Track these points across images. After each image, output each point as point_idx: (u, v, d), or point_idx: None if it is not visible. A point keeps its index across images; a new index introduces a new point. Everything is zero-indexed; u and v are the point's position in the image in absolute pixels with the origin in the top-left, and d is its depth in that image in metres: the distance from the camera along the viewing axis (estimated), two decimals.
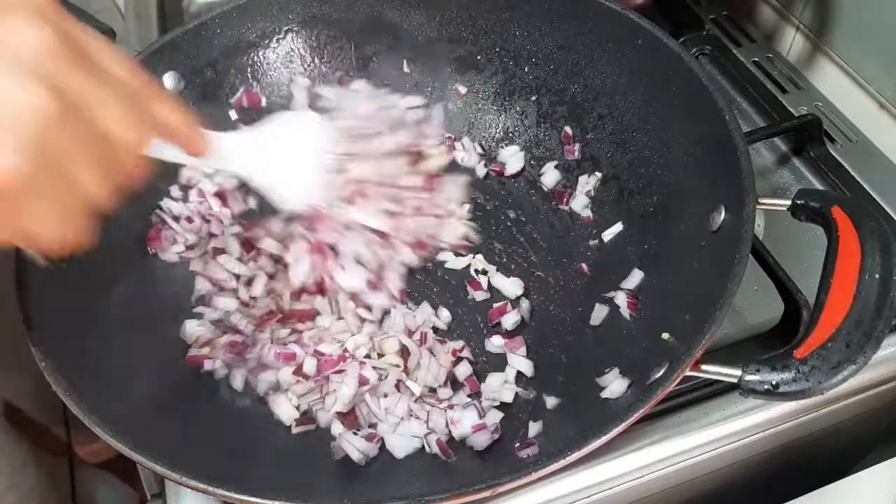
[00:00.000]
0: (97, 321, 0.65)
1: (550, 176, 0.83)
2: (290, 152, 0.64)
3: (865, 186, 0.82)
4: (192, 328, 0.72)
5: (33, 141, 0.38)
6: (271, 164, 0.62)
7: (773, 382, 0.50)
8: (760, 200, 0.60)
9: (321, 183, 0.65)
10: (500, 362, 0.72)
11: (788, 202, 0.60)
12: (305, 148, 0.65)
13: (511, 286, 0.76)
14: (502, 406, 0.68)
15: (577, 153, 0.82)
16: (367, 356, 0.70)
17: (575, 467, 0.61)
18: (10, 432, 0.99)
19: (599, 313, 0.72)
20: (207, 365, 0.69)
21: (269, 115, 0.65)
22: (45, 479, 1.01)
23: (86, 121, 0.41)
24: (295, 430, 0.67)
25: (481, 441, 0.64)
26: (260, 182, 0.61)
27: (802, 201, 0.59)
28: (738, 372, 0.51)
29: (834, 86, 0.92)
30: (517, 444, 0.63)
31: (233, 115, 0.83)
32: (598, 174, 0.81)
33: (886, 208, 0.80)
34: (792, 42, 0.98)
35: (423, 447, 0.65)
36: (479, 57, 0.85)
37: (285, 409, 0.67)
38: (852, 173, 0.84)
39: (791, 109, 0.89)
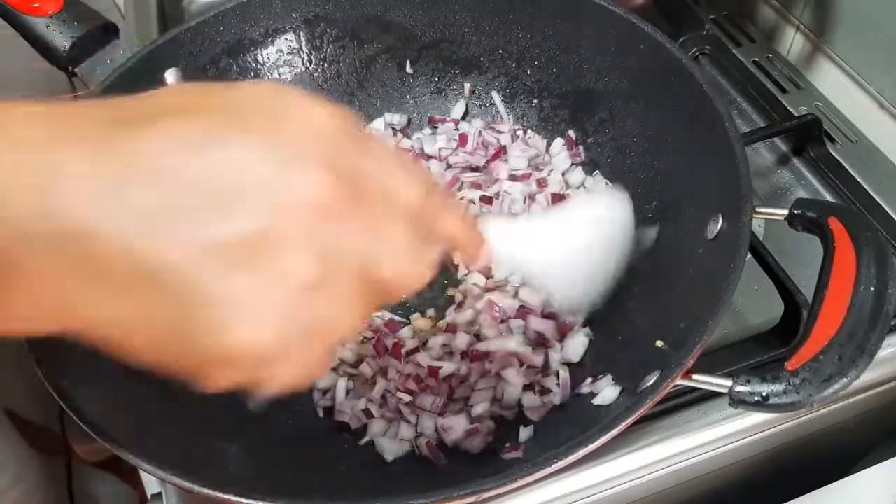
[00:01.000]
0: None
1: (551, 179, 0.83)
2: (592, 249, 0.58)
3: (865, 186, 0.82)
4: None
5: (290, 311, 0.34)
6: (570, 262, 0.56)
7: (764, 394, 0.50)
8: (758, 210, 0.60)
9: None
10: None
11: (786, 211, 0.59)
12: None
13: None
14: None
15: (582, 156, 0.82)
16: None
17: (574, 468, 0.61)
18: (10, 429, 0.99)
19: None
20: None
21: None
22: (45, 477, 1.01)
23: (359, 274, 0.36)
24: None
25: (475, 445, 0.64)
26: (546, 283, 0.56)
27: (799, 211, 0.59)
28: (729, 383, 0.51)
29: (834, 86, 0.92)
30: (505, 446, 0.63)
31: None
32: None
33: (886, 209, 0.80)
34: (792, 42, 0.98)
35: (413, 450, 0.65)
36: (481, 59, 0.85)
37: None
38: (852, 173, 0.84)
39: (791, 109, 0.89)
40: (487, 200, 0.79)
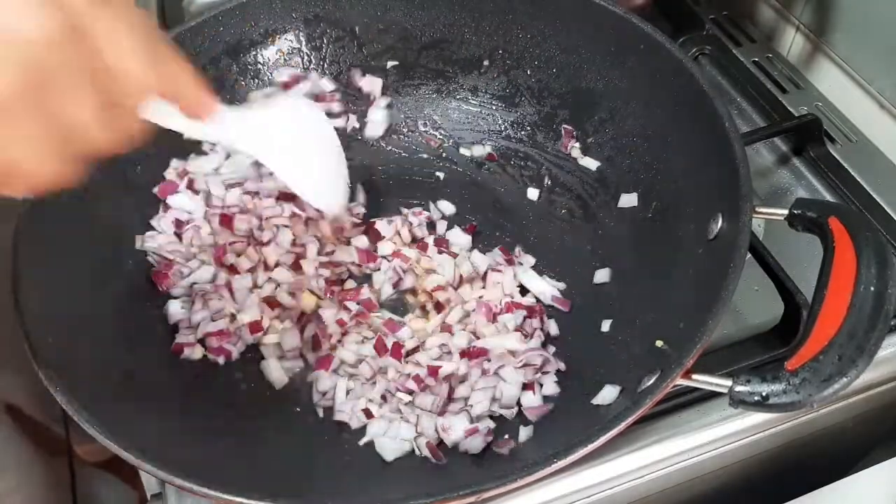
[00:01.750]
0: (94, 322, 0.65)
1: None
2: (309, 144, 0.62)
3: (865, 186, 0.82)
4: (176, 309, 0.72)
5: (23, 57, 0.37)
6: (289, 151, 0.60)
7: (763, 394, 0.50)
8: (758, 210, 0.60)
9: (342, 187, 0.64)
10: None
11: (786, 211, 0.60)
12: (323, 143, 0.64)
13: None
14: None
15: (572, 150, 0.83)
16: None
17: (574, 468, 0.61)
18: (13, 431, 0.99)
19: None
20: (187, 352, 0.70)
21: (273, 97, 0.65)
22: (47, 478, 1.01)
23: (90, 49, 0.40)
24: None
25: (475, 444, 0.64)
26: (277, 168, 0.59)
27: (799, 211, 0.59)
28: (729, 382, 0.51)
29: (834, 86, 0.92)
30: (499, 441, 0.64)
31: None
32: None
33: (886, 208, 0.81)
34: (792, 42, 0.98)
35: (413, 450, 0.65)
36: (482, 59, 0.85)
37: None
38: (852, 173, 0.84)
39: (791, 109, 0.89)
40: None
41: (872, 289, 0.51)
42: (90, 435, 0.53)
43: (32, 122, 0.39)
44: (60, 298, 0.63)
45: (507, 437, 0.65)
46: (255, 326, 0.72)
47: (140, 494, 1.00)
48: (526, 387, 0.67)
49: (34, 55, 0.37)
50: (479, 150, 0.86)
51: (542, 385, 0.68)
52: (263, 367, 0.71)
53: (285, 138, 0.61)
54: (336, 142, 0.68)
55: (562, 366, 0.69)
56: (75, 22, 0.39)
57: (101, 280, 0.68)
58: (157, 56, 0.44)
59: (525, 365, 0.68)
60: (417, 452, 0.65)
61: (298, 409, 0.69)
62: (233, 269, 0.74)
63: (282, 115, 0.62)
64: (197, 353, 0.70)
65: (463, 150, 0.86)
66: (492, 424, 0.66)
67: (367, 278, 0.77)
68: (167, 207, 0.77)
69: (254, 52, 0.83)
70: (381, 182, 0.85)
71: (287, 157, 0.60)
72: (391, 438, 0.66)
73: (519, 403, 0.67)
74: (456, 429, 0.65)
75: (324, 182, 0.65)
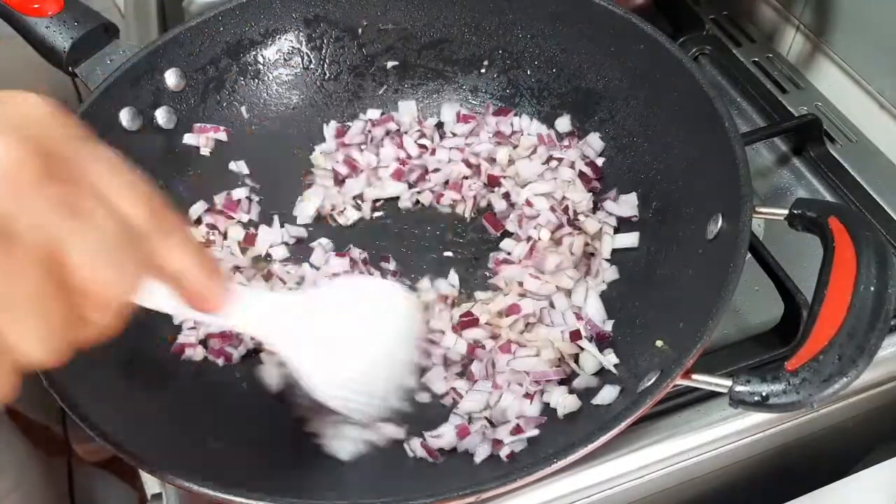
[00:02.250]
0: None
1: None
2: (355, 337, 0.51)
3: (865, 186, 0.82)
4: None
5: None
6: (320, 347, 0.50)
7: (763, 394, 0.50)
8: (758, 210, 0.60)
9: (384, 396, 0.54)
10: None
11: (786, 211, 0.60)
12: (382, 338, 0.53)
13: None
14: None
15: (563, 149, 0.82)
16: None
17: (574, 468, 0.61)
18: (13, 431, 0.99)
19: None
20: (188, 352, 0.69)
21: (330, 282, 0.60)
22: (46, 478, 1.01)
23: (43, 260, 0.33)
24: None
25: (472, 444, 0.64)
26: (297, 364, 0.50)
27: (799, 211, 0.59)
28: (729, 382, 0.51)
29: (834, 86, 0.92)
30: (493, 440, 0.63)
31: (244, 111, 0.83)
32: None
33: (886, 208, 0.81)
34: (792, 42, 0.98)
35: (407, 452, 0.65)
36: (482, 59, 0.85)
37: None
38: (852, 173, 0.84)
39: (791, 109, 0.89)
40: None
41: (872, 289, 0.51)
42: (90, 435, 0.53)
43: None
44: None
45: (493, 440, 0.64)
46: None
47: (140, 494, 1.00)
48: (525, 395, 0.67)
49: None
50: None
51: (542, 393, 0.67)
52: (261, 371, 0.70)
53: (322, 328, 0.51)
54: (407, 338, 0.57)
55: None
56: (19, 232, 0.32)
57: None
58: (152, 250, 0.38)
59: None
60: (411, 454, 0.65)
61: (298, 410, 0.69)
62: None
63: (332, 300, 0.53)
64: (198, 354, 0.70)
65: None
66: (487, 427, 0.65)
67: None
68: None
69: (254, 52, 0.83)
70: None
71: (314, 351, 0.50)
72: (341, 439, 0.65)
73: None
74: (446, 434, 0.65)
75: (360, 387, 0.54)
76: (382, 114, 0.87)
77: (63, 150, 0.35)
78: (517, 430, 0.63)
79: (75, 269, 0.33)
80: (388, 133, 0.85)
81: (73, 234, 0.33)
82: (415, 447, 0.64)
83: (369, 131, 0.85)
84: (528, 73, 0.84)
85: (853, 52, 0.90)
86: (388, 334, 0.55)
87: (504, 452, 0.62)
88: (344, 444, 0.64)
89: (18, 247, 0.32)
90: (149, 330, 0.70)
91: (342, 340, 0.52)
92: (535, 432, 0.63)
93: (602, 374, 0.66)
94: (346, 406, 0.54)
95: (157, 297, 0.41)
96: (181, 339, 0.70)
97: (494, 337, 0.70)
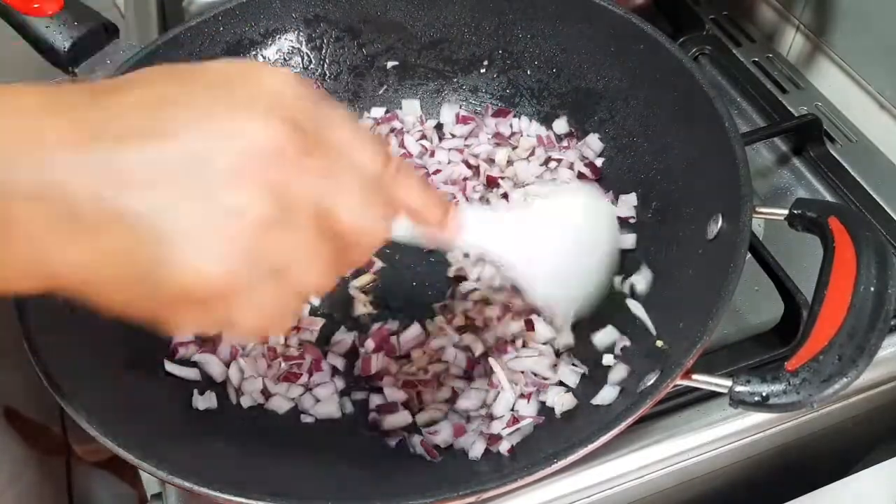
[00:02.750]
0: (94, 321, 0.65)
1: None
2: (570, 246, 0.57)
3: (865, 186, 0.82)
4: None
5: (243, 246, 0.37)
6: (535, 253, 0.55)
7: (763, 394, 0.50)
8: (758, 210, 0.60)
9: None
10: None
11: (786, 211, 0.59)
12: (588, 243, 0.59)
13: None
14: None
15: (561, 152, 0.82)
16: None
17: (574, 468, 0.61)
18: (8, 428, 0.99)
19: None
20: (181, 351, 0.69)
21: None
22: (43, 476, 1.01)
23: (315, 218, 0.39)
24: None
25: (469, 442, 0.64)
26: (516, 269, 0.55)
27: (799, 211, 0.59)
28: (728, 382, 0.51)
29: (834, 86, 0.92)
30: (489, 436, 0.64)
31: None
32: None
33: (886, 209, 0.80)
34: (792, 42, 0.98)
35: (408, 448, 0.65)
36: (482, 59, 0.85)
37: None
38: (852, 173, 0.84)
39: (791, 109, 0.89)
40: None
41: (872, 289, 0.51)
42: (89, 435, 0.53)
43: (255, 299, 0.38)
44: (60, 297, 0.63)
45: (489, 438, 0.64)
46: None
47: (140, 494, 1.00)
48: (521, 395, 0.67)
49: (255, 241, 0.37)
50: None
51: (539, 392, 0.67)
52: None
53: (542, 239, 0.56)
54: (609, 239, 0.63)
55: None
56: (294, 199, 0.38)
57: None
58: (390, 192, 0.43)
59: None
60: (412, 451, 0.65)
61: (297, 410, 0.69)
62: None
63: (540, 215, 0.58)
64: (190, 352, 0.70)
65: None
66: (484, 427, 0.65)
67: None
68: None
69: (254, 52, 0.83)
70: None
71: (538, 262, 0.56)
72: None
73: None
74: (443, 431, 0.65)
75: (565, 284, 0.59)
76: (387, 112, 0.87)
77: (313, 121, 0.39)
78: (513, 421, 0.63)
79: (341, 221, 0.40)
80: (392, 131, 0.85)
81: (335, 194, 0.39)
82: (415, 444, 0.64)
83: (373, 129, 0.85)
84: (528, 73, 0.83)
85: (853, 52, 0.90)
86: (592, 239, 0.61)
87: (504, 448, 0.62)
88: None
89: (294, 212, 0.38)
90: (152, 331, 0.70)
91: (554, 246, 0.58)
92: (530, 421, 0.64)
93: (601, 373, 0.66)
94: (551, 303, 0.62)
95: (404, 230, 0.46)
96: (175, 339, 0.70)
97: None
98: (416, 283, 0.77)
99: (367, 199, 0.41)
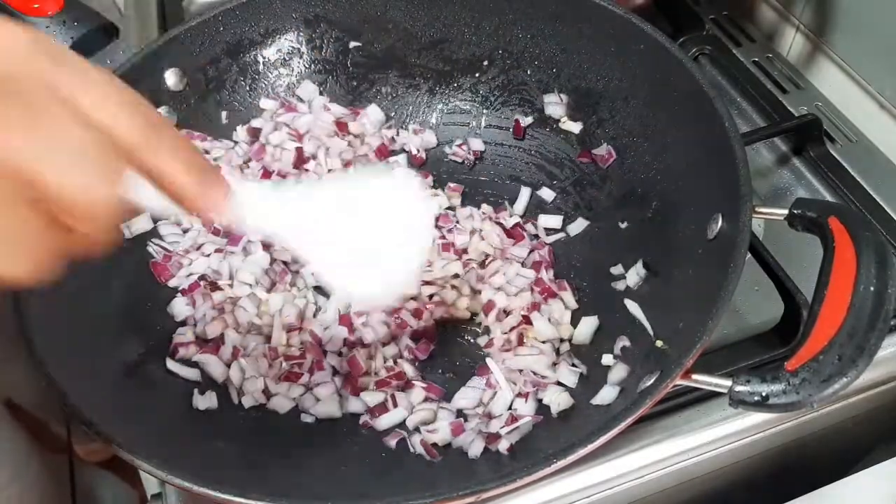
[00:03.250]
0: (95, 321, 0.65)
1: None
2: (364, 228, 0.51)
3: (865, 186, 0.82)
4: (181, 307, 0.72)
5: None
6: (325, 233, 0.49)
7: (763, 394, 0.50)
8: (758, 209, 0.60)
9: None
10: None
11: (786, 211, 0.60)
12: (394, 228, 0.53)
13: None
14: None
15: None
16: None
17: (574, 468, 0.61)
18: (11, 424, 0.99)
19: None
20: (182, 352, 0.69)
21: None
22: (46, 474, 1.01)
23: (9, 182, 0.33)
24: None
25: (467, 441, 0.64)
26: (301, 252, 0.50)
27: (799, 211, 0.59)
28: (728, 382, 0.51)
29: (834, 86, 0.93)
30: (488, 435, 0.64)
31: (223, 116, 0.83)
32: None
33: (886, 209, 0.81)
34: (792, 42, 0.98)
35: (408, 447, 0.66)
36: (482, 59, 0.85)
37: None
38: (852, 173, 0.84)
39: (791, 109, 0.89)
40: None
41: (872, 288, 0.51)
42: (90, 434, 0.53)
43: None
44: (61, 297, 0.63)
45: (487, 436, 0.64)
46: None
47: (140, 494, 1.00)
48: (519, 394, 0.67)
49: None
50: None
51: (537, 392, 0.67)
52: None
53: (329, 219, 0.50)
54: (423, 227, 0.57)
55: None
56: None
57: (101, 278, 0.68)
58: (143, 158, 0.37)
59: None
60: (412, 450, 0.65)
61: (297, 409, 0.69)
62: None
63: (326, 192, 0.53)
64: (191, 352, 0.70)
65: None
66: (483, 426, 0.65)
67: None
68: None
69: (254, 52, 0.83)
70: None
71: (319, 237, 0.50)
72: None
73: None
74: (441, 430, 0.65)
75: (369, 270, 0.53)
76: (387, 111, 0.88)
77: (27, 70, 0.34)
78: (511, 420, 0.63)
79: (44, 181, 0.33)
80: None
81: (35, 148, 0.33)
82: (415, 443, 0.65)
83: (380, 129, 0.86)
84: (528, 73, 0.83)
85: (853, 52, 0.90)
86: (398, 216, 0.54)
87: (503, 446, 0.62)
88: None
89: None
90: (152, 331, 0.70)
91: (349, 225, 0.51)
92: (529, 420, 0.64)
93: (601, 373, 0.66)
94: (355, 290, 0.54)
95: (150, 198, 0.39)
96: (177, 338, 0.70)
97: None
98: None
99: (83, 156, 0.34)
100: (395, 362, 0.71)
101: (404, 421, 0.67)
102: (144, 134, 0.37)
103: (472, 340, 0.74)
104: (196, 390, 0.67)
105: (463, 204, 0.83)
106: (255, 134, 0.82)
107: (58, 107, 0.35)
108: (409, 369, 0.70)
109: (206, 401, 0.66)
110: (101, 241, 0.37)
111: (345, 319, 0.73)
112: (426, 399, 0.69)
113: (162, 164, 0.38)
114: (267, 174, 0.80)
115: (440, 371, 0.72)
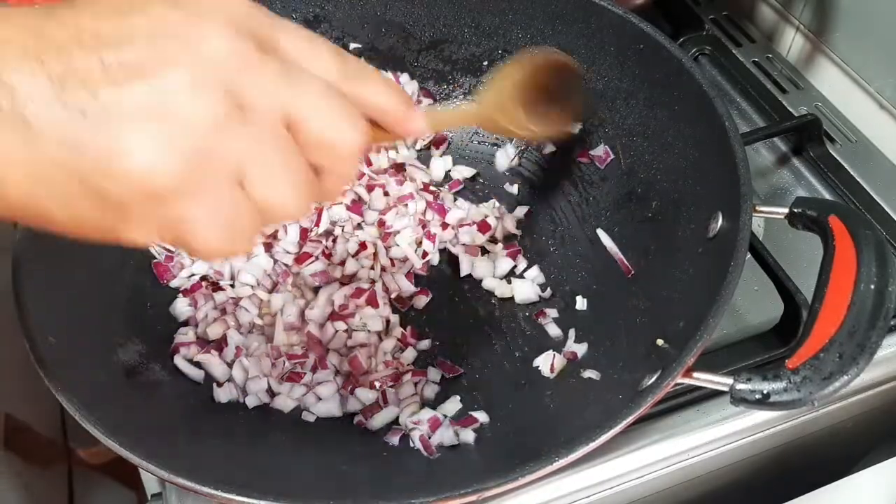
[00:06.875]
0: (95, 321, 0.65)
1: None
2: None
3: (865, 187, 0.82)
4: (182, 307, 0.72)
5: (196, 144, 0.36)
6: None
7: (764, 392, 0.50)
8: (758, 208, 0.60)
9: None
10: None
11: (786, 210, 0.60)
12: None
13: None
14: None
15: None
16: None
17: (574, 468, 0.61)
18: (10, 437, 0.99)
19: None
20: (183, 351, 0.69)
21: None
22: (44, 481, 1.01)
23: (278, 125, 0.38)
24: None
25: (469, 437, 0.65)
26: None
27: (799, 209, 0.59)
28: (730, 380, 0.51)
29: (834, 86, 0.93)
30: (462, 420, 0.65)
31: None
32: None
33: (886, 209, 0.81)
34: (792, 42, 0.98)
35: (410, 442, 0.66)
36: (482, 59, 0.85)
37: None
38: (852, 173, 0.84)
39: (791, 109, 0.89)
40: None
41: (873, 287, 0.51)
42: (91, 437, 0.53)
43: (209, 207, 0.38)
44: (61, 298, 0.63)
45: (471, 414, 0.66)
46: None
47: (139, 495, 1.00)
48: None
49: (205, 141, 0.36)
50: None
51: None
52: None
53: None
54: None
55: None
56: (250, 104, 0.37)
57: (102, 279, 0.68)
58: (357, 99, 0.42)
59: None
60: (412, 445, 0.65)
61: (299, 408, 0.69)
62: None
63: None
64: (192, 352, 0.70)
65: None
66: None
67: None
68: None
69: None
70: None
71: None
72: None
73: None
74: (422, 424, 0.65)
75: None
76: None
77: (264, 30, 0.39)
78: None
79: (309, 125, 0.39)
80: None
81: (298, 97, 0.38)
82: (415, 438, 0.65)
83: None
84: None
85: (853, 52, 0.90)
86: None
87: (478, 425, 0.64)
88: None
89: (257, 114, 0.37)
90: (153, 331, 0.70)
91: None
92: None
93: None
94: None
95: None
96: (177, 338, 0.70)
97: None
98: None
99: (332, 102, 0.40)
100: (394, 357, 0.71)
101: (397, 419, 0.67)
102: (358, 73, 0.42)
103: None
104: (196, 390, 0.67)
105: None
106: None
107: (298, 60, 0.40)
108: (409, 356, 0.71)
109: (206, 400, 0.66)
110: (350, 180, 0.46)
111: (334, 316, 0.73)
112: (442, 380, 0.70)
113: (374, 96, 0.43)
114: None
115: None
